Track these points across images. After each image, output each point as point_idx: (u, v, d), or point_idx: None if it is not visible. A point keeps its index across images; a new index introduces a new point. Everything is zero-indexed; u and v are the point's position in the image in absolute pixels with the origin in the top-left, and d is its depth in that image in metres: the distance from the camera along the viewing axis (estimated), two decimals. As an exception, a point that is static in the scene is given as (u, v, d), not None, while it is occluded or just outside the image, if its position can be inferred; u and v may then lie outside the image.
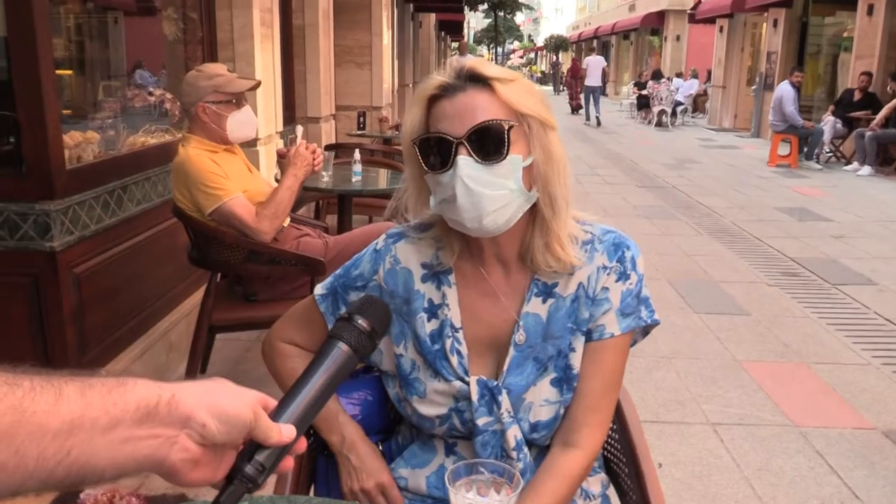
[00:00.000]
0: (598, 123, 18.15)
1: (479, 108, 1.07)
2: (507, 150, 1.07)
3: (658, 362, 3.53)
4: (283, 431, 0.69)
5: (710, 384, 3.34)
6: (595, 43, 39.34)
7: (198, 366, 2.91)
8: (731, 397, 3.22)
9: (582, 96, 19.96)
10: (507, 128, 1.07)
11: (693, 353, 3.70)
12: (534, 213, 1.15)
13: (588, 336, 1.17)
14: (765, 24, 16.09)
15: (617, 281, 1.17)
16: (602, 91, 19.61)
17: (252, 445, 0.68)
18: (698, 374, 3.45)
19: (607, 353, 1.17)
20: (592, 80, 18.76)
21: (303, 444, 0.72)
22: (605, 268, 1.17)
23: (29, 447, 0.55)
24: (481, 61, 1.13)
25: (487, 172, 1.07)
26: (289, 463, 0.71)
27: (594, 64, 19.20)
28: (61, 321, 2.49)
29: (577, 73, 22.34)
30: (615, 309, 1.17)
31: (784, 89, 10.97)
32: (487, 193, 1.07)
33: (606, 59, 35.68)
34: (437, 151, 1.09)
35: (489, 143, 1.07)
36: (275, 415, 0.71)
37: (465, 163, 1.07)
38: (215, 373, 3.22)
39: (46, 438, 0.55)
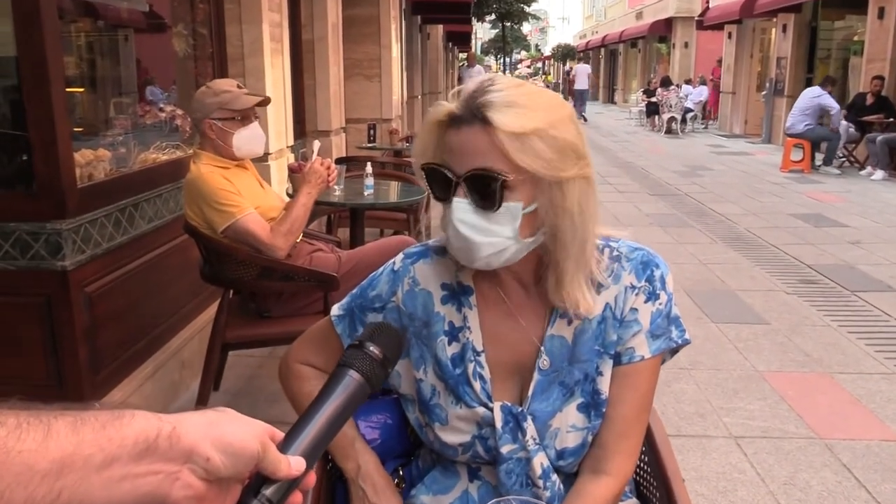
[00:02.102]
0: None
1: (479, 150, 0.99)
2: (500, 201, 1.01)
3: (678, 374, 3.47)
4: (293, 464, 0.64)
5: (732, 396, 3.28)
6: (603, 52, 39.47)
7: (210, 383, 2.89)
8: (753, 409, 3.15)
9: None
10: (500, 180, 0.99)
11: (713, 364, 3.63)
12: (545, 248, 1.09)
13: (617, 359, 1.13)
14: (774, 30, 16.02)
15: (646, 301, 1.12)
16: (589, 94, 24.95)
17: (259, 479, 0.64)
18: (719, 385, 3.39)
19: (637, 377, 1.12)
20: (580, 84, 23.54)
21: (312, 479, 0.68)
22: (633, 287, 1.12)
23: (16, 490, 0.50)
24: (501, 89, 1.01)
25: (482, 218, 1.02)
26: (297, 498, 0.67)
27: (581, 71, 24.47)
28: (73, 340, 2.47)
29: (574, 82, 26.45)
30: (645, 331, 1.12)
31: (824, 94, 10.80)
32: (478, 240, 1.02)
33: (615, 66, 36.46)
34: (440, 183, 1.04)
35: (484, 189, 1.01)
36: (283, 446, 0.66)
37: (459, 206, 1.02)
38: (228, 389, 3.20)
39: (35, 480, 0.51)
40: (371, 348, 0.76)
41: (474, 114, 0.99)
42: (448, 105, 1.04)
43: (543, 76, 57.98)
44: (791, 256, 5.87)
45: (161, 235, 3.07)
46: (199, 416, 0.62)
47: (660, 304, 1.13)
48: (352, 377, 0.73)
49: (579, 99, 23.09)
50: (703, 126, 19.38)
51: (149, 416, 0.58)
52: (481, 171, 0.99)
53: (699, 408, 3.16)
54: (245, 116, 2.75)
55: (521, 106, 0.99)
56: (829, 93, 10.94)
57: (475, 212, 1.01)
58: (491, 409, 1.13)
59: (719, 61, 21.01)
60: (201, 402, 2.83)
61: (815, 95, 10.91)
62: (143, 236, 2.91)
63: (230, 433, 0.61)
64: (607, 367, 1.13)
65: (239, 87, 2.81)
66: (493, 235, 1.02)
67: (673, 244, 6.30)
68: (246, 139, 2.74)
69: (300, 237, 2.83)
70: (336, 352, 1.22)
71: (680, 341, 1.15)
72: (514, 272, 1.13)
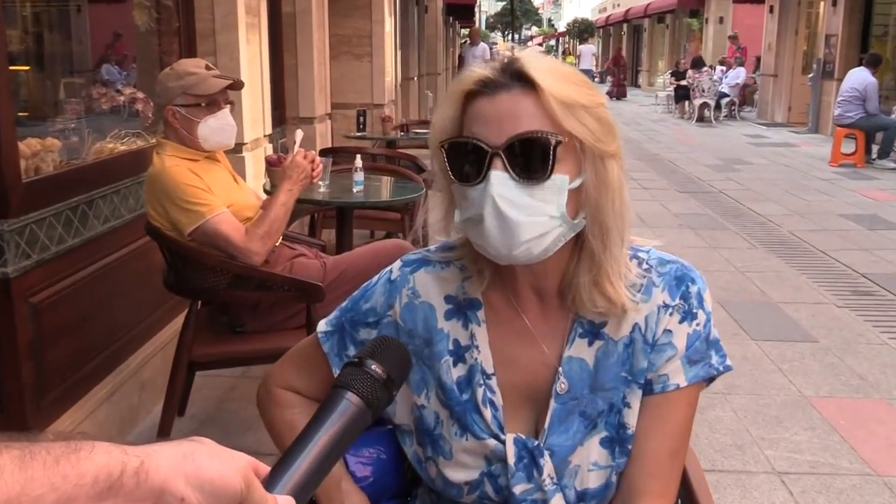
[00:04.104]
0: None
1: (523, 115, 1.01)
2: (552, 169, 1.01)
3: (712, 399, 3.46)
4: None
5: (775, 425, 3.27)
6: (625, 28, 39.61)
7: (175, 408, 2.88)
8: (799, 441, 3.14)
9: None
10: (553, 143, 1.00)
11: (753, 389, 3.63)
12: (580, 241, 1.08)
13: (648, 388, 1.11)
14: (822, 3, 16.04)
15: (681, 322, 1.11)
16: (593, 74, 28.28)
17: None
18: (760, 413, 3.38)
19: (671, 407, 1.11)
20: (585, 64, 26.67)
21: None
22: (666, 306, 1.11)
23: None
24: (536, 56, 1.06)
25: (525, 193, 1.01)
26: None
27: (586, 51, 28.87)
28: (16, 358, 2.46)
29: (618, 62, 29.50)
30: (680, 355, 1.10)
31: (868, 80, 10.76)
32: (522, 220, 1.01)
33: (639, 44, 37.41)
34: (468, 160, 1.03)
35: (531, 157, 1.01)
36: (269, 483, 0.65)
37: (499, 179, 1.00)
38: (195, 414, 3.19)
39: None
40: (373, 366, 0.75)
41: (515, 77, 1.02)
42: (479, 71, 1.05)
43: (563, 57, 58.06)
44: (842, 264, 5.87)
45: (119, 238, 3.06)
46: (172, 447, 0.61)
47: (697, 324, 1.11)
48: (350, 401, 0.72)
49: None
50: (728, 113, 19.17)
51: (112, 448, 0.57)
52: (530, 134, 1.00)
53: (737, 438, 3.14)
54: (212, 102, 2.73)
55: (564, 78, 1.03)
56: (873, 73, 10.91)
57: (518, 186, 1.01)
58: (503, 442, 1.12)
59: (731, 37, 21.11)
60: (164, 428, 2.82)
61: (861, 78, 10.89)
62: (97, 239, 2.90)
63: (208, 468, 0.60)
64: (635, 397, 1.11)
65: (208, 67, 2.80)
66: (536, 214, 1.01)
67: (705, 249, 6.30)
68: (213, 129, 2.73)
69: (279, 240, 2.82)
70: (323, 375, 1.22)
71: (721, 368, 1.13)
72: (535, 277, 1.12)
